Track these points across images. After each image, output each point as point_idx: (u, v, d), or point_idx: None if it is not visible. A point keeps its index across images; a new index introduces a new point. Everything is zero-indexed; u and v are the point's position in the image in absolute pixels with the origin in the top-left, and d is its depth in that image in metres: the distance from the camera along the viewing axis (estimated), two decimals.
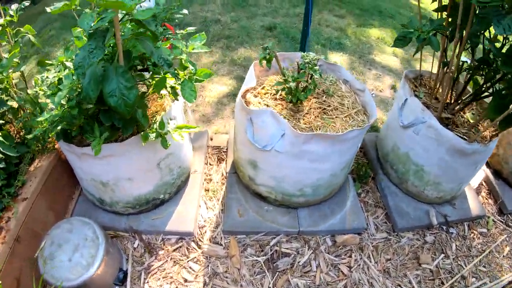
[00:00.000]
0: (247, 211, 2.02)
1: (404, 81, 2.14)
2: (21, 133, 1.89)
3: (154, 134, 1.46)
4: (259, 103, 1.82)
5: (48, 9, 1.17)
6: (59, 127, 1.29)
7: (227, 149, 2.46)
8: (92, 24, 1.10)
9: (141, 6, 2.39)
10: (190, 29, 2.54)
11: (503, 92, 1.66)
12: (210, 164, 2.38)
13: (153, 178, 1.81)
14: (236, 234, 2.01)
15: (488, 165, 2.78)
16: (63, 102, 1.24)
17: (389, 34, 4.43)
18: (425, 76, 2.34)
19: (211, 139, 2.48)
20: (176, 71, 1.45)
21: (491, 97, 1.82)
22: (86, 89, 1.13)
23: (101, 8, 1.07)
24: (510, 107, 1.62)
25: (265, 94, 1.89)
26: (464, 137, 1.94)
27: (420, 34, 1.67)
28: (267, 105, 1.81)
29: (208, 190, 2.23)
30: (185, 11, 2.58)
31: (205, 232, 2.06)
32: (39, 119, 1.26)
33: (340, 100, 1.91)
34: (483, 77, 1.90)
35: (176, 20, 2.49)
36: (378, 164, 2.41)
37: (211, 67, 3.47)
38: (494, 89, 1.87)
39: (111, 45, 1.35)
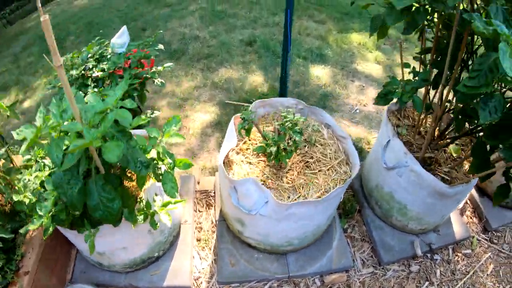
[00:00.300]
0: (238, 261, 2.16)
1: (387, 119, 2.24)
2: (8, 205, 1.98)
3: (142, 217, 1.57)
4: (242, 161, 1.94)
5: (14, 135, 1.28)
6: (50, 229, 1.39)
7: (214, 193, 2.58)
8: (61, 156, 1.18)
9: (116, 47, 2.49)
10: (167, 65, 2.65)
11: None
12: (199, 210, 2.50)
13: (146, 242, 1.93)
14: (230, 284, 2.16)
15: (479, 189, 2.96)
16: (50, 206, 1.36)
17: (370, 38, 4.54)
18: (408, 107, 2.48)
19: (198, 183, 2.60)
20: (156, 169, 1.51)
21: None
22: (71, 202, 1.25)
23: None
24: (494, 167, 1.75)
25: (247, 150, 2.01)
26: (446, 177, 2.09)
27: (402, 94, 1.80)
28: (250, 163, 1.94)
29: (199, 240, 2.35)
30: (160, 46, 2.68)
31: (201, 283, 2.19)
32: (30, 227, 1.37)
33: (322, 150, 2.03)
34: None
35: (153, 56, 2.60)
36: (363, 197, 2.55)
37: (193, 92, 3.57)
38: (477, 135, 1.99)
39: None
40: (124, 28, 2.60)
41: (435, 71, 1.94)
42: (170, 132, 1.53)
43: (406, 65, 1.97)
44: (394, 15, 1.53)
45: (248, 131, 1.82)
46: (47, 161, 1.56)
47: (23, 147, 1.26)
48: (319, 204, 1.74)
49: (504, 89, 1.74)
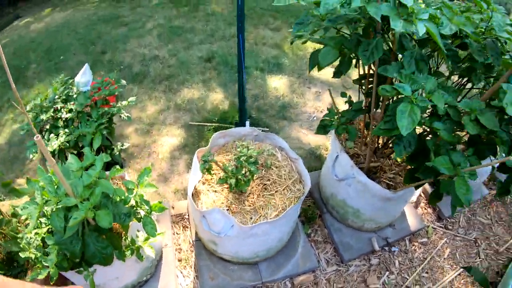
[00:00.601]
0: (217, 275, 2.52)
1: (335, 136, 2.63)
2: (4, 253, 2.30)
3: (129, 252, 1.92)
4: (208, 190, 2.31)
5: (19, 210, 1.62)
6: (55, 276, 1.73)
7: (188, 215, 2.94)
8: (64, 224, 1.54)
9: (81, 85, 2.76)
10: (131, 99, 2.95)
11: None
12: (177, 233, 2.85)
13: (135, 270, 2.26)
14: None
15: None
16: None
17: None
18: (355, 119, 2.88)
19: (173, 208, 2.96)
20: (136, 214, 1.86)
21: None
22: (73, 254, 1.60)
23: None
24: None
25: (211, 180, 2.38)
26: (391, 182, 2.51)
27: (338, 126, 2.20)
28: (215, 191, 2.31)
29: (181, 260, 2.70)
30: (123, 82, 2.99)
31: None
32: (39, 277, 1.70)
33: (278, 172, 2.42)
34: None
35: (117, 93, 2.91)
36: (322, 203, 2.95)
37: (158, 117, 3.89)
38: None
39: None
40: (86, 66, 2.84)
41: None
42: (144, 183, 1.90)
43: (343, 94, 2.37)
44: (325, 62, 1.92)
45: (208, 170, 2.19)
46: (43, 219, 1.89)
47: (31, 225, 1.59)
48: (276, 222, 2.11)
49: None
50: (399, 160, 2.66)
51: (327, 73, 4.41)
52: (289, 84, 4.26)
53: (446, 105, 1.74)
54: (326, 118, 2.26)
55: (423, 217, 3.22)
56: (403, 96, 1.65)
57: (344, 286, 2.66)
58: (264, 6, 5.86)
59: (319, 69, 2.21)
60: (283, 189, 2.32)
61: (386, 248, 2.90)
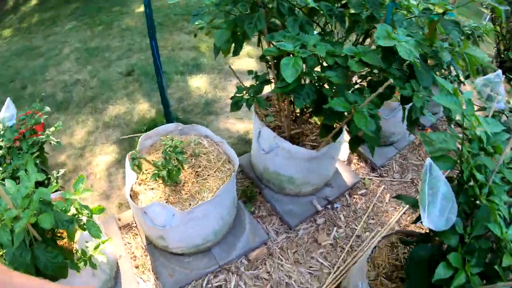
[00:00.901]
0: (174, 270, 2.70)
1: (254, 113, 2.91)
2: None
3: (82, 263, 2.09)
4: (145, 189, 2.50)
5: None
6: None
7: (135, 222, 3.11)
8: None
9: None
10: (58, 124, 3.08)
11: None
12: (128, 243, 3.01)
13: (95, 284, 2.42)
14: None
15: (350, 133, 3.72)
16: None
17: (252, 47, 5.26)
18: (272, 96, 3.16)
19: (119, 220, 3.12)
20: (78, 221, 2.02)
21: None
22: (26, 269, 1.75)
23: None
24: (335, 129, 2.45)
25: (146, 179, 2.58)
26: (314, 143, 2.79)
27: (248, 99, 2.45)
28: (152, 189, 2.51)
29: (138, 267, 2.85)
30: (47, 108, 3.11)
31: None
32: None
33: (206, 157, 2.65)
34: None
35: (43, 121, 3.03)
36: (259, 180, 3.21)
37: (88, 139, 4.02)
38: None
39: None
40: (8, 100, 2.91)
41: None
42: (80, 190, 2.06)
43: (249, 72, 2.62)
44: (220, 43, 2.17)
45: (139, 167, 2.39)
46: None
47: None
48: (213, 201, 2.33)
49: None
50: (319, 122, 2.95)
51: (246, 62, 4.69)
52: (210, 81, 4.51)
53: (334, 57, 2.03)
54: (236, 95, 2.50)
55: (358, 171, 3.55)
56: None
57: (298, 249, 2.92)
58: (177, 12, 6.08)
59: (225, 54, 2.47)
60: (215, 172, 2.56)
61: (329, 207, 3.20)
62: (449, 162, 1.60)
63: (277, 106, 3.00)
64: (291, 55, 1.89)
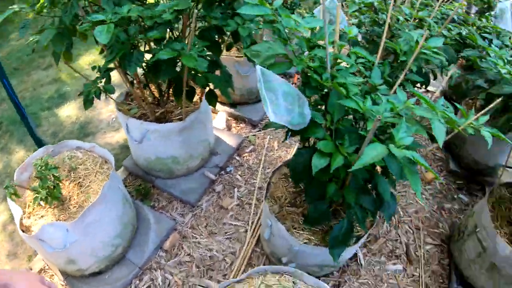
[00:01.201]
0: None
1: (118, 112, 2.97)
2: None
3: None
4: (35, 220, 2.47)
5: None
6: None
7: (47, 265, 2.98)
8: None
9: None
10: None
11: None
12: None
13: None
14: None
15: (223, 104, 3.95)
16: None
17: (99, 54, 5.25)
18: (131, 91, 3.24)
19: (31, 269, 3.02)
20: None
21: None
22: None
23: None
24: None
25: (33, 209, 2.55)
26: (181, 116, 2.94)
27: (95, 90, 2.53)
28: (42, 216, 2.49)
29: None
30: None
31: None
32: None
33: (84, 166, 2.67)
34: None
35: None
36: (148, 175, 3.30)
37: None
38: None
39: None
40: None
41: None
42: None
43: (93, 68, 2.70)
44: (45, 41, 2.23)
45: (16, 195, 2.37)
46: None
47: None
48: (100, 200, 2.36)
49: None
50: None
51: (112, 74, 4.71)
52: (79, 105, 4.49)
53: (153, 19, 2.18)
54: (84, 91, 2.57)
55: (239, 132, 3.78)
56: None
57: (208, 222, 3.07)
58: (29, 52, 5.86)
59: (66, 58, 2.53)
60: (95, 175, 2.61)
61: (222, 173, 3.39)
62: (284, 65, 1.83)
63: (139, 98, 3.12)
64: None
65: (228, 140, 3.57)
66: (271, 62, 1.80)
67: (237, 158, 3.54)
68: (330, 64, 1.78)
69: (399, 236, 3.13)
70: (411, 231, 3.19)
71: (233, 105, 3.95)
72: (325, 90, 1.87)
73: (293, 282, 1.93)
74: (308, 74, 1.79)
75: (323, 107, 1.96)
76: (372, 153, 1.41)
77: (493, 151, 3.45)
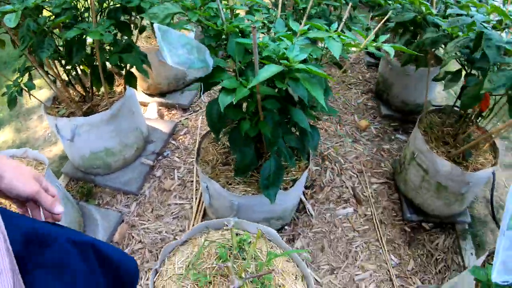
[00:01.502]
0: None
1: (46, 116, 2.96)
2: None
3: None
4: None
5: None
6: None
7: None
8: None
9: None
10: None
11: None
12: None
13: None
14: None
15: (152, 96, 4.04)
16: None
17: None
18: (57, 94, 3.28)
19: None
20: None
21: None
22: None
23: None
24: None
25: None
26: (107, 108, 3.01)
27: (17, 88, 2.56)
28: None
29: None
30: None
31: None
32: None
33: None
34: None
35: None
36: (87, 174, 3.30)
37: None
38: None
39: None
40: None
41: None
42: None
43: (14, 70, 2.73)
44: None
45: None
46: None
47: None
48: None
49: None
50: (103, 89, 3.18)
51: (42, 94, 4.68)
52: (15, 129, 4.40)
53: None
54: (7, 91, 2.60)
55: (172, 119, 3.89)
56: None
57: (153, 207, 3.13)
58: None
59: None
60: None
61: (160, 158, 3.47)
62: (181, 22, 1.96)
63: (66, 99, 3.16)
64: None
65: (162, 127, 3.66)
66: (168, 21, 1.91)
67: (173, 142, 3.63)
68: (224, 15, 1.92)
69: (344, 182, 3.31)
70: (355, 175, 3.37)
71: (162, 94, 4.06)
72: (224, 37, 2.00)
73: (237, 234, 2.02)
74: (204, 24, 1.93)
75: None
76: (267, 72, 1.54)
77: (418, 89, 3.72)
